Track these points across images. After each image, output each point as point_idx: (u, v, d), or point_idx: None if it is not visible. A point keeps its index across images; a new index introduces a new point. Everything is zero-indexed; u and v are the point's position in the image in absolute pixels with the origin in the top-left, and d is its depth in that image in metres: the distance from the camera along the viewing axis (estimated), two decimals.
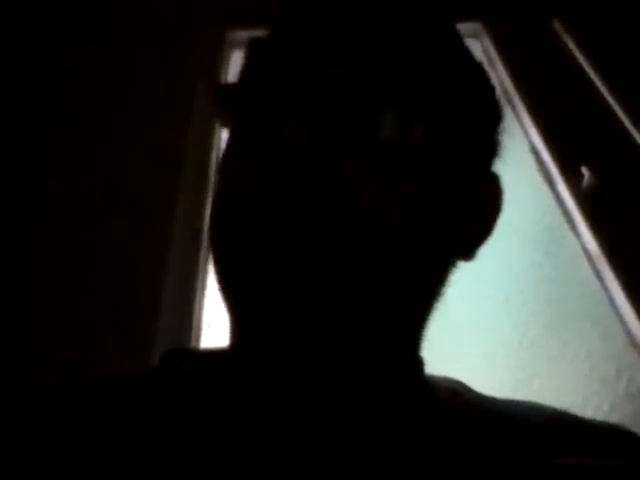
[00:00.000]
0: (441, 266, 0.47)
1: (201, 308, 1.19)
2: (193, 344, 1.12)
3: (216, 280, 0.46)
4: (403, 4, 0.48)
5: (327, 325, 0.41)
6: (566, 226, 1.27)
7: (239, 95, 0.46)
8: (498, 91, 0.52)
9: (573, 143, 1.31)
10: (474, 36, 1.56)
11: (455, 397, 0.49)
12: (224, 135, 0.51)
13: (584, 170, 1.25)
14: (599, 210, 1.21)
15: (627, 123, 1.32)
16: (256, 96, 0.45)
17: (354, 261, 0.41)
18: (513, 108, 1.42)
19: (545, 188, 1.34)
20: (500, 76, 1.48)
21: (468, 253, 0.50)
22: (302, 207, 0.40)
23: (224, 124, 0.49)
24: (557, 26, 1.52)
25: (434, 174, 0.44)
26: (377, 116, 0.43)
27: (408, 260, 0.43)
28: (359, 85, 0.43)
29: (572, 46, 1.47)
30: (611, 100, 1.36)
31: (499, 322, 1.43)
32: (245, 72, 0.48)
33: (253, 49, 0.49)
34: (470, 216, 0.48)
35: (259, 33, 0.50)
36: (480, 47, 1.56)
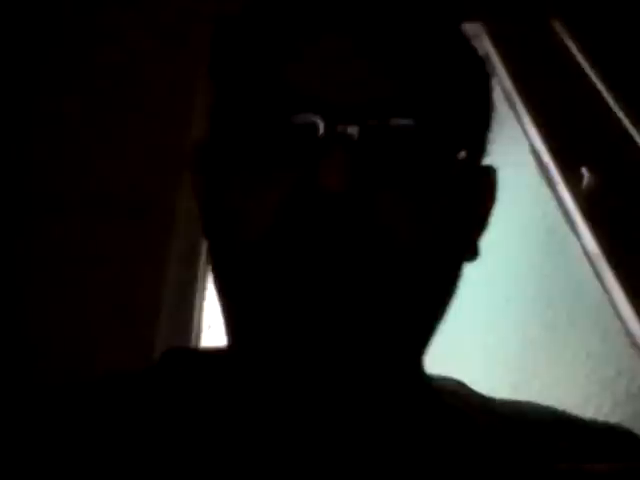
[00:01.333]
0: (458, 276, 0.47)
1: (201, 309, 1.19)
2: (193, 344, 1.12)
3: (218, 289, 0.46)
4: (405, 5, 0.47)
5: (341, 333, 0.41)
6: (566, 226, 1.27)
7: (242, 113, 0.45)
8: (496, 90, 0.52)
9: (573, 143, 1.31)
10: (474, 36, 1.55)
11: (455, 398, 0.49)
12: None
13: (584, 171, 1.25)
14: (599, 210, 1.21)
15: (627, 123, 1.32)
16: (266, 112, 0.43)
17: (381, 279, 0.41)
18: (513, 108, 1.42)
19: (545, 189, 1.34)
20: (500, 76, 1.48)
21: (472, 252, 0.50)
22: (341, 250, 0.40)
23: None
24: (557, 26, 1.52)
25: (447, 186, 0.44)
26: (394, 133, 0.42)
27: (432, 283, 0.43)
28: (385, 112, 0.42)
29: (572, 46, 1.47)
30: (611, 100, 1.36)
31: (499, 322, 1.43)
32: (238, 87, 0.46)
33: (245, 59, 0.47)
34: (472, 216, 0.48)
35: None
36: (480, 47, 1.56)
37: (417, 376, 0.48)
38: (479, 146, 0.48)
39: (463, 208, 0.45)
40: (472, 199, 0.47)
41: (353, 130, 0.41)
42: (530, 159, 1.38)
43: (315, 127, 0.41)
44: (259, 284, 0.42)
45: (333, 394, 0.43)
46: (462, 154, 0.45)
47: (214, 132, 0.47)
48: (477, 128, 0.47)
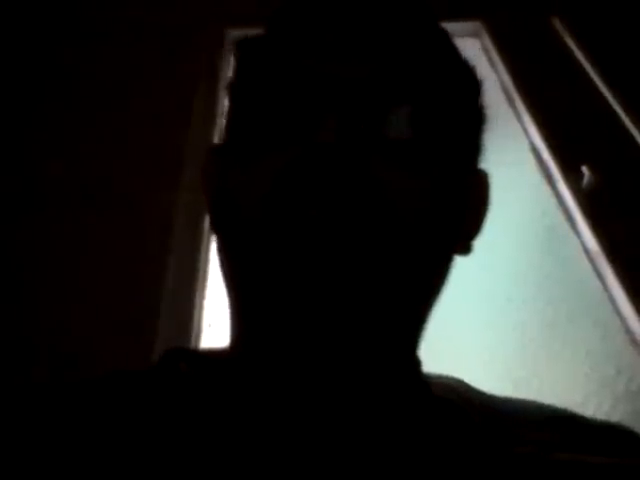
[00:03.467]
0: (445, 260, 0.48)
1: (201, 308, 1.19)
2: (193, 344, 1.12)
3: (227, 280, 0.46)
4: (401, 6, 0.49)
5: (339, 322, 0.41)
6: (566, 225, 1.27)
7: (246, 93, 0.47)
8: (488, 88, 0.53)
9: (573, 142, 1.31)
10: (474, 35, 1.56)
11: (453, 395, 0.49)
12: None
13: (584, 169, 1.25)
14: (599, 209, 1.21)
15: (627, 122, 1.32)
16: (269, 97, 0.45)
17: (383, 261, 0.42)
18: (513, 107, 1.42)
19: (545, 187, 1.34)
20: (500, 75, 1.48)
21: (464, 248, 0.51)
22: (338, 205, 0.41)
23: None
24: (557, 24, 1.52)
25: (438, 170, 0.45)
26: (389, 114, 0.44)
27: (423, 254, 0.44)
28: (379, 85, 0.44)
29: (572, 44, 1.47)
30: (611, 99, 1.36)
31: (499, 322, 1.43)
32: (250, 71, 0.48)
33: (257, 49, 0.49)
34: (464, 211, 0.49)
35: (259, 32, 0.50)
36: (480, 46, 1.56)
37: (412, 372, 0.48)
38: (472, 148, 0.49)
39: (453, 191, 0.47)
40: (459, 192, 0.48)
41: (353, 97, 0.43)
42: (530, 157, 1.38)
43: (314, 96, 0.43)
44: (260, 249, 0.42)
45: (329, 388, 0.43)
46: (454, 151, 0.46)
47: (230, 135, 0.49)
48: (467, 129, 0.48)
